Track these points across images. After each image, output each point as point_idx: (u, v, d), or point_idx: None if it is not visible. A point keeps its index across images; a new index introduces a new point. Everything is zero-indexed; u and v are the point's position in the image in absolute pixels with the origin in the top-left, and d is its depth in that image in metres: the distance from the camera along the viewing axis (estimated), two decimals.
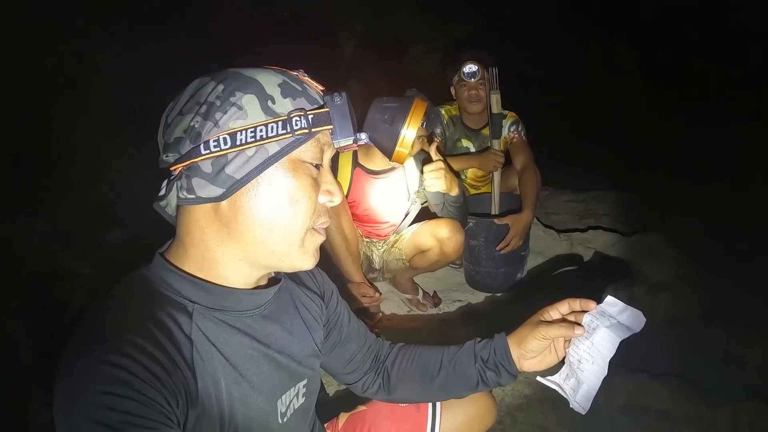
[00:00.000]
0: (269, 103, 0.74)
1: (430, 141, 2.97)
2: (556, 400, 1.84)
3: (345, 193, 2.35)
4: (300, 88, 0.78)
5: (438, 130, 2.99)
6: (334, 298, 1.09)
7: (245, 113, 0.73)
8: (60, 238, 2.72)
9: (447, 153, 3.01)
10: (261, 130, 0.73)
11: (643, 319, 0.91)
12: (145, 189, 0.81)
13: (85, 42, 3.56)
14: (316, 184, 0.79)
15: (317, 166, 0.80)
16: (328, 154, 0.82)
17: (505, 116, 2.83)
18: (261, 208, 0.75)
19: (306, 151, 0.77)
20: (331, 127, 0.78)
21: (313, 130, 0.76)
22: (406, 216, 2.54)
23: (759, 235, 2.90)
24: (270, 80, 0.76)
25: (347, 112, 0.78)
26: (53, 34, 3.46)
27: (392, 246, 2.53)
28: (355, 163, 2.36)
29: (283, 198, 0.75)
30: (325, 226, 0.84)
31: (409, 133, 2.02)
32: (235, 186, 0.73)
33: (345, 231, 2.23)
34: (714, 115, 4.98)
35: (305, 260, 0.81)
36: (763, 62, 5.27)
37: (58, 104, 3.36)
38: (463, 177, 3.12)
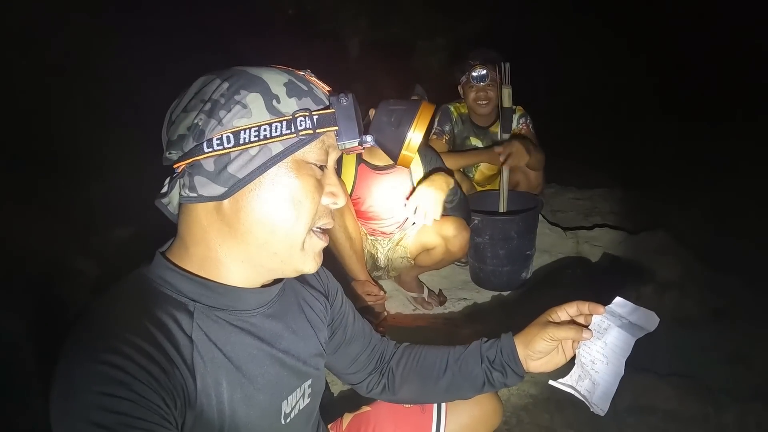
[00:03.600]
0: (274, 102, 0.73)
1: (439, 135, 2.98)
2: (562, 401, 1.83)
3: (349, 191, 2.34)
4: (306, 88, 0.77)
5: (447, 128, 2.99)
6: (339, 297, 1.08)
7: (249, 112, 0.72)
8: (64, 237, 2.72)
9: (455, 150, 3.01)
10: (265, 130, 0.72)
11: (657, 319, 0.90)
12: (151, 187, 0.80)
13: (87, 38, 3.55)
14: (319, 185, 0.78)
15: (321, 168, 0.79)
16: (332, 156, 0.81)
17: (514, 110, 2.84)
18: (263, 208, 0.74)
19: (310, 152, 0.76)
20: (337, 128, 0.77)
21: (318, 131, 0.75)
22: None
23: (767, 233, 2.87)
24: (276, 79, 0.75)
25: (353, 114, 0.78)
26: (55, 32, 3.46)
27: (397, 244, 2.52)
28: (360, 160, 2.35)
29: (286, 198, 0.75)
30: (327, 227, 0.83)
31: (416, 136, 1.99)
32: (237, 185, 0.73)
33: (349, 229, 2.22)
34: (719, 114, 4.96)
35: (306, 263, 0.81)
36: (764, 60, 5.25)
37: (59, 101, 3.36)
38: (471, 176, 3.11)
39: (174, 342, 0.70)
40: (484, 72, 2.73)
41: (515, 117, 2.86)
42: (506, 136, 2.74)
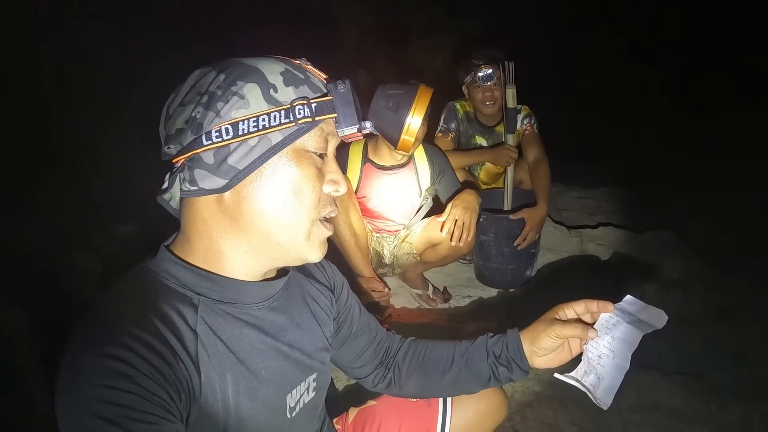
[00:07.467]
0: (271, 91, 0.73)
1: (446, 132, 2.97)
2: (566, 398, 1.84)
3: (354, 189, 2.34)
4: (303, 77, 0.77)
5: (453, 126, 2.97)
6: (345, 291, 1.08)
7: (247, 102, 0.72)
8: (68, 233, 2.73)
9: (460, 149, 3.00)
10: (263, 120, 0.72)
11: (665, 317, 0.89)
12: (154, 183, 0.80)
13: (87, 36, 3.56)
14: (320, 173, 0.78)
15: (321, 156, 0.79)
16: (332, 144, 0.81)
17: (519, 110, 2.79)
18: (265, 199, 0.74)
19: (310, 141, 0.76)
20: (335, 115, 0.77)
21: (316, 118, 0.75)
22: (418, 211, 2.53)
23: None
24: (272, 69, 0.75)
25: (351, 100, 0.78)
26: (54, 29, 3.46)
27: (403, 240, 2.52)
28: (365, 159, 2.35)
29: (287, 188, 0.75)
30: (332, 215, 0.83)
31: (414, 120, 1.97)
32: (237, 176, 0.73)
33: (354, 226, 2.22)
34: (725, 112, 4.95)
35: (311, 252, 0.80)
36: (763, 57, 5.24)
37: (64, 100, 3.37)
38: (476, 174, 3.10)
39: (178, 335, 0.70)
40: (490, 71, 2.69)
41: (520, 117, 2.81)
42: (510, 137, 2.72)
